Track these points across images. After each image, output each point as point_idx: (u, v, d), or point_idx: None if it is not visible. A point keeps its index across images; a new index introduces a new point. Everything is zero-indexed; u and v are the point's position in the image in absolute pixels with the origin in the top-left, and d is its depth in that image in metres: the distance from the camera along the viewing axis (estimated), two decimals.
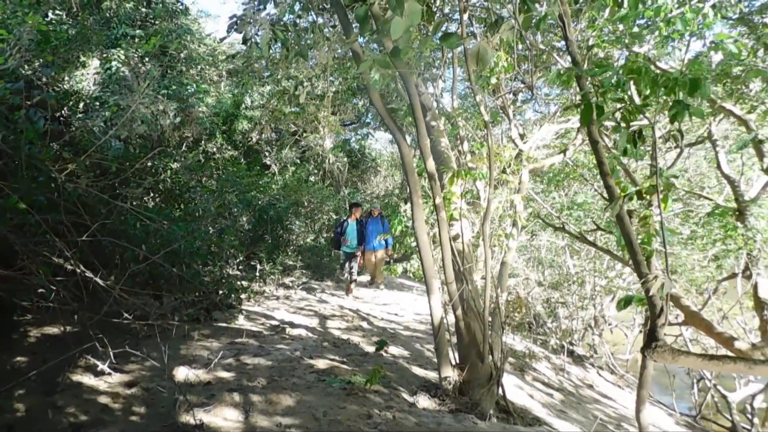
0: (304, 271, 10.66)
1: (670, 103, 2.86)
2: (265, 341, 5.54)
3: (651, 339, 2.83)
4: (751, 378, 7.74)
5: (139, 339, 4.83)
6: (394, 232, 6.12)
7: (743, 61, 4.94)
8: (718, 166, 6.63)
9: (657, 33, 5.30)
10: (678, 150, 6.84)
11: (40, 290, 4.06)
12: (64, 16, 8.33)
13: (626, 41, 5.08)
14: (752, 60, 5.04)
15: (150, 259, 4.34)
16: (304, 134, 14.96)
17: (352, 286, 9.69)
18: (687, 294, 8.43)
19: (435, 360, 4.70)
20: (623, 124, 2.72)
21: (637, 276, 2.94)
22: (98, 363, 3.95)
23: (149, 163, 6.78)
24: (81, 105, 6.86)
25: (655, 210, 4.43)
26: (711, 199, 7.60)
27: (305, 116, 14.34)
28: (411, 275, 11.71)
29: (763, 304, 5.95)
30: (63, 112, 6.10)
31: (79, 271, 3.75)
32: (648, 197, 3.15)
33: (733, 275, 6.85)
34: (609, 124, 5.70)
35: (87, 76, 8.38)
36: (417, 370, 5.15)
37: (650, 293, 2.76)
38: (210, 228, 7.27)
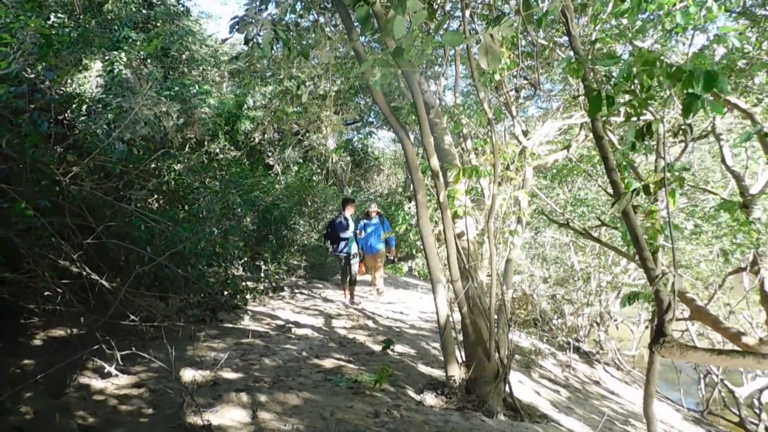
0: (308, 271, 10.67)
1: (675, 97, 2.86)
2: (270, 341, 5.55)
3: (658, 334, 2.82)
4: (759, 373, 7.71)
5: (146, 341, 4.84)
6: (398, 230, 6.11)
7: (747, 54, 4.92)
8: (723, 160, 6.59)
9: (660, 27, 5.28)
10: (683, 144, 6.81)
11: (46, 293, 4.07)
12: (66, 20, 8.34)
13: (629, 35, 5.06)
14: (757, 53, 5.01)
15: (155, 261, 4.35)
16: (307, 134, 14.96)
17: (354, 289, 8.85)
18: (693, 289, 8.40)
19: (441, 358, 4.69)
20: (633, 118, 2.70)
21: (643, 272, 2.93)
22: (105, 365, 3.96)
23: (153, 165, 6.77)
24: (84, 108, 6.85)
25: (661, 205, 4.41)
26: (716, 194, 7.57)
27: (308, 116, 14.34)
28: (416, 274, 11.69)
29: None
30: (66, 115, 6.11)
31: (84, 273, 3.76)
32: (655, 192, 3.13)
33: (740, 270, 6.82)
34: (613, 119, 5.70)
35: (89, 79, 8.39)
36: (423, 369, 5.15)
37: (658, 289, 2.75)
38: (214, 229, 7.28)
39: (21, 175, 3.94)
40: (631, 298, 3.34)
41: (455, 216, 4.68)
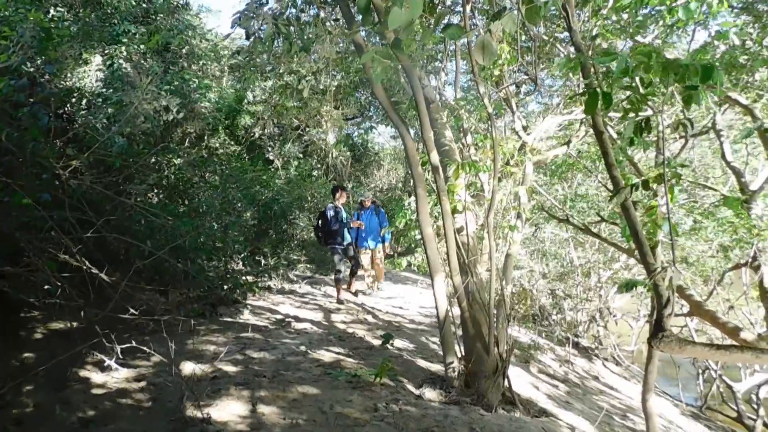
0: (308, 266, 10.68)
1: (675, 93, 2.85)
2: (270, 335, 5.56)
3: (657, 329, 2.82)
4: (757, 368, 7.72)
5: (146, 334, 4.86)
6: (398, 225, 6.12)
7: (749, 50, 4.91)
8: (723, 156, 6.59)
9: (661, 22, 5.27)
10: (683, 140, 6.80)
11: (46, 287, 4.08)
12: (66, 13, 8.32)
13: (630, 31, 5.04)
14: (758, 49, 5.00)
15: (155, 255, 4.35)
16: (307, 129, 14.94)
17: (354, 285, 8.43)
18: (692, 284, 8.41)
19: (440, 352, 4.70)
20: (631, 114, 2.70)
21: (643, 267, 2.93)
22: (105, 358, 3.97)
23: (153, 160, 6.79)
24: (84, 102, 6.86)
25: (660, 200, 4.41)
26: (716, 190, 7.57)
27: (308, 111, 14.32)
28: (415, 269, 11.69)
29: None
30: (66, 109, 6.12)
31: (84, 267, 3.76)
32: (654, 187, 3.13)
33: (740, 265, 6.82)
34: (613, 115, 5.69)
35: (89, 73, 8.36)
36: (422, 363, 5.16)
37: (657, 284, 2.75)
38: (214, 223, 7.28)
39: (21, 168, 3.94)
40: (629, 286, 3.34)
41: (455, 211, 4.68)
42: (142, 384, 3.84)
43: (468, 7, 4.18)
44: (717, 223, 7.29)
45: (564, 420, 4.58)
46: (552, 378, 6.50)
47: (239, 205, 9.00)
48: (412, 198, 5.28)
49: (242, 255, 8.13)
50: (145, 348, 3.99)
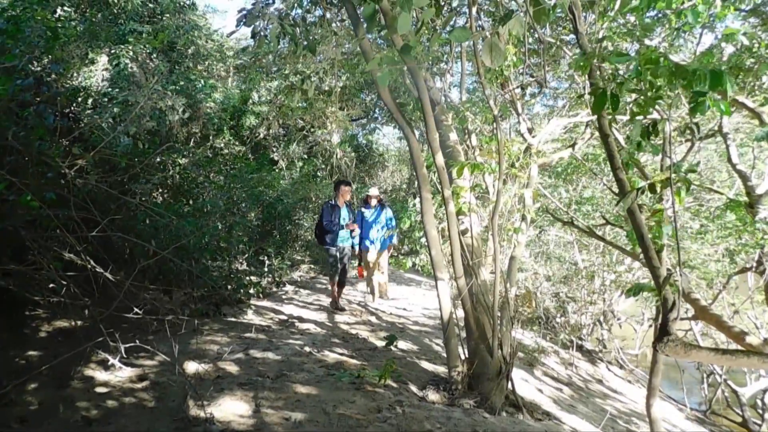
0: (312, 266, 10.68)
1: (682, 96, 2.84)
2: (274, 336, 5.56)
3: (663, 333, 2.81)
4: (762, 373, 7.68)
5: (149, 334, 4.86)
6: (402, 226, 6.11)
7: (756, 53, 4.88)
8: (729, 160, 6.55)
9: (668, 25, 5.24)
10: (688, 143, 6.77)
11: (51, 285, 4.09)
12: (73, 13, 8.36)
13: (637, 34, 5.02)
14: (765, 52, 4.97)
15: (159, 255, 4.36)
16: (312, 130, 14.95)
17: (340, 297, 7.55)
18: (697, 288, 8.37)
19: (444, 354, 4.69)
20: (639, 117, 2.69)
21: (649, 271, 2.92)
22: (109, 357, 3.98)
23: (158, 159, 6.80)
24: (90, 101, 6.89)
25: (666, 204, 4.39)
26: (722, 193, 7.53)
27: (313, 111, 14.33)
28: (419, 270, 11.68)
29: None
30: (72, 108, 6.13)
31: (89, 266, 3.77)
32: (660, 191, 3.11)
33: (745, 269, 6.79)
34: (620, 117, 5.67)
35: (95, 73, 8.40)
36: (426, 365, 5.15)
37: (663, 288, 2.74)
38: (219, 223, 7.30)
39: (27, 167, 3.95)
40: (636, 290, 3.32)
41: (460, 213, 4.67)
42: (146, 383, 3.85)
43: (474, 9, 4.18)
44: (721, 227, 7.26)
45: (568, 423, 4.57)
46: (556, 381, 6.49)
47: (243, 205, 9.02)
48: (417, 200, 5.28)
49: (246, 255, 8.15)
50: (148, 347, 3.99)
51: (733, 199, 6.65)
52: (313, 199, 12.11)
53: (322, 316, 6.87)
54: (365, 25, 4.28)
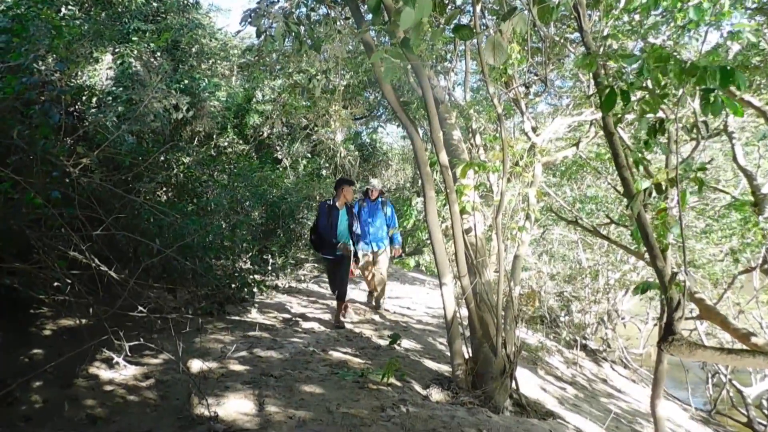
0: (315, 265, 10.69)
1: (687, 95, 2.82)
2: (278, 334, 5.57)
3: (668, 332, 2.80)
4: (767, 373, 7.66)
5: (154, 332, 4.87)
6: (406, 225, 6.09)
7: (763, 51, 4.86)
8: (734, 159, 6.53)
9: (672, 23, 5.22)
10: (693, 142, 6.75)
11: (55, 284, 4.10)
12: (77, 12, 8.37)
13: (642, 32, 5.01)
14: None
15: (163, 253, 4.37)
16: (316, 128, 14.96)
17: (349, 310, 6.80)
18: (702, 288, 8.34)
19: (447, 353, 4.69)
20: (649, 115, 2.67)
21: (654, 270, 2.90)
22: (114, 356, 3.99)
23: (162, 158, 6.81)
24: (94, 100, 6.89)
25: (671, 203, 4.37)
26: (727, 192, 7.51)
27: (317, 110, 14.35)
28: (423, 269, 11.67)
29: None
30: (76, 107, 6.14)
31: (93, 264, 3.78)
32: (666, 190, 3.10)
33: (751, 269, 6.76)
34: (625, 116, 5.65)
35: (100, 71, 8.41)
36: (429, 364, 5.15)
37: (668, 287, 2.73)
38: (222, 222, 7.30)
39: (31, 166, 3.96)
40: (644, 288, 3.31)
41: (463, 211, 4.66)
42: (150, 381, 3.85)
43: (478, 7, 4.16)
44: (725, 227, 7.23)
45: (572, 423, 4.56)
46: (560, 380, 6.48)
47: (247, 204, 9.02)
48: (421, 198, 5.27)
49: (250, 254, 8.15)
50: (153, 345, 4.00)
51: (736, 198, 6.62)
52: (317, 197, 12.12)
53: (325, 315, 6.86)
54: (370, 19, 4.28)
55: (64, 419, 3.21)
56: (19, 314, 4.52)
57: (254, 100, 13.58)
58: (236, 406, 3.51)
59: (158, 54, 9.62)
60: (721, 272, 8.23)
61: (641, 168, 5.10)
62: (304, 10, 5.20)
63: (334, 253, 6.29)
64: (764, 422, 7.23)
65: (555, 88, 8.62)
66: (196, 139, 11.77)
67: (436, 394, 4.21)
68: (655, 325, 9.10)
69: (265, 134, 14.16)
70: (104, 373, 3.90)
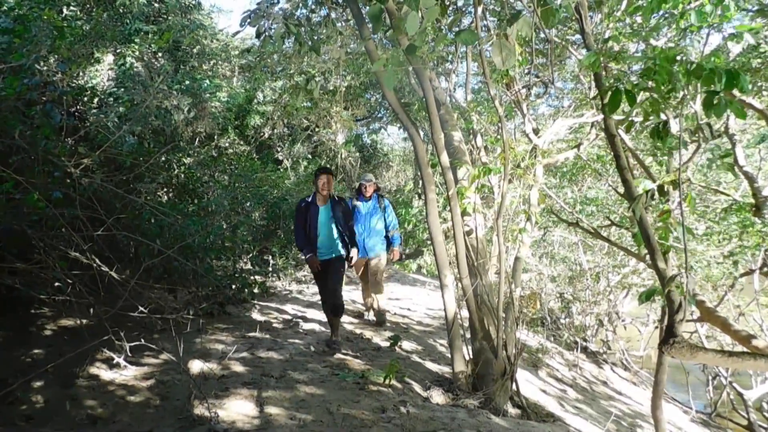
0: None
1: (688, 97, 2.83)
2: (278, 335, 5.56)
3: (669, 335, 2.80)
4: None
5: (154, 333, 4.88)
6: (407, 226, 6.07)
7: (764, 53, 4.86)
8: (736, 161, 6.53)
9: (674, 26, 5.22)
10: (695, 144, 6.75)
11: (56, 284, 4.10)
12: (79, 12, 8.39)
13: (643, 34, 5.01)
14: None
15: (164, 254, 4.37)
16: (317, 129, 14.98)
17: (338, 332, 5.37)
18: (702, 290, 8.33)
19: (448, 355, 4.69)
20: (653, 117, 2.67)
21: (655, 272, 2.90)
22: (114, 356, 3.99)
23: (163, 158, 6.82)
24: (95, 100, 6.90)
25: (672, 205, 4.37)
26: (728, 195, 7.49)
27: (318, 111, 14.37)
28: (424, 271, 11.65)
29: None
30: (78, 107, 6.16)
31: (94, 265, 3.78)
32: (668, 193, 3.10)
33: (751, 271, 6.75)
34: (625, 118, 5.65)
35: (101, 72, 8.43)
36: (430, 365, 5.15)
37: (669, 289, 2.73)
38: (223, 223, 7.30)
39: (33, 166, 3.97)
40: (648, 295, 3.30)
41: (464, 213, 4.66)
42: (151, 382, 3.85)
43: (479, 9, 4.17)
44: (725, 229, 7.22)
45: (572, 425, 4.56)
46: (560, 382, 6.47)
47: (248, 204, 9.04)
48: (422, 200, 5.26)
49: (251, 254, 8.16)
50: (153, 346, 4.00)
51: (735, 200, 6.62)
52: None
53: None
54: (371, 26, 4.28)
55: (64, 419, 3.22)
56: (20, 314, 4.53)
57: (255, 101, 13.60)
58: (237, 406, 3.51)
59: (159, 55, 9.64)
60: (722, 274, 8.22)
61: (640, 170, 5.11)
62: (304, 11, 5.21)
63: (315, 254, 5.16)
64: (765, 425, 7.22)
65: (556, 89, 8.63)
66: (197, 139, 11.79)
67: (437, 396, 4.21)
68: (656, 327, 9.10)
69: (266, 135, 14.17)
70: (105, 374, 3.90)
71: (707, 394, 8.40)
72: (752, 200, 6.19)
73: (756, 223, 5.95)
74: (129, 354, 4.03)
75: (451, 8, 5.68)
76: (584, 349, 8.84)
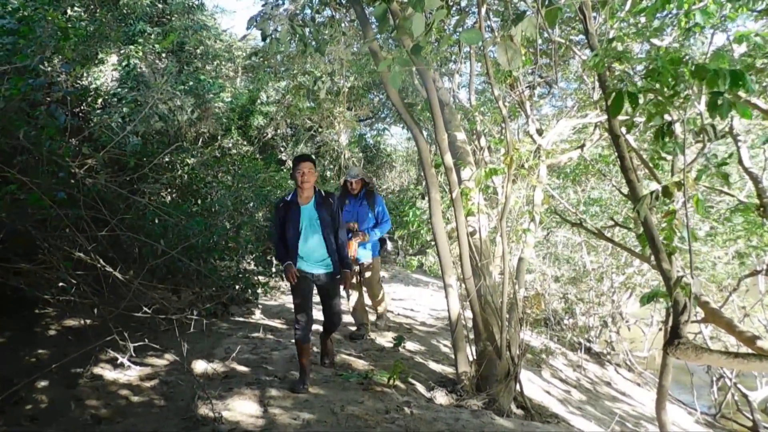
0: None
1: (693, 97, 2.81)
2: (281, 335, 5.56)
3: (673, 336, 2.78)
4: None
5: (158, 333, 4.89)
6: (410, 227, 6.05)
7: None
8: (740, 161, 6.50)
9: (678, 26, 5.21)
10: (700, 144, 6.72)
11: (60, 284, 4.12)
12: (83, 13, 8.42)
13: (647, 34, 4.99)
14: None
15: (168, 254, 4.38)
16: (320, 130, 14.98)
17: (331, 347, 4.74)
18: (707, 291, 8.30)
19: (452, 356, 4.68)
20: (657, 118, 2.65)
21: (659, 273, 2.89)
22: (118, 356, 4.00)
23: (166, 159, 6.84)
24: (99, 101, 6.93)
25: (677, 205, 4.35)
26: (732, 195, 7.46)
27: (321, 112, 14.37)
28: (427, 271, 11.64)
29: None
30: (82, 108, 6.18)
31: (98, 265, 3.79)
32: (674, 194, 3.08)
33: (756, 272, 6.73)
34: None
35: (105, 73, 8.45)
36: (434, 366, 5.14)
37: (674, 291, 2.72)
38: (227, 223, 7.31)
39: (37, 166, 3.98)
40: (650, 298, 3.29)
41: (468, 213, 4.66)
42: (155, 382, 3.86)
43: (483, 9, 4.16)
44: (731, 229, 7.19)
45: (576, 426, 4.55)
46: (564, 383, 6.46)
47: (251, 205, 9.03)
48: (425, 200, 5.25)
49: (254, 255, 8.16)
50: (157, 346, 4.01)
51: (741, 201, 6.59)
52: None
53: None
54: (376, 26, 4.28)
55: (69, 419, 3.22)
56: (24, 314, 4.54)
57: (259, 101, 13.61)
58: (240, 407, 3.51)
59: (163, 55, 9.66)
60: (726, 275, 8.19)
61: (644, 171, 5.08)
62: (309, 12, 5.20)
63: (303, 268, 4.09)
64: None
65: (560, 90, 8.61)
66: (201, 140, 11.81)
67: (441, 397, 4.20)
68: (660, 328, 9.07)
69: (270, 135, 14.18)
70: (109, 374, 3.91)
71: (712, 395, 8.36)
72: (757, 201, 6.17)
73: (765, 224, 5.93)
74: (133, 354, 4.04)
75: (454, 8, 5.68)
76: (588, 350, 8.82)
